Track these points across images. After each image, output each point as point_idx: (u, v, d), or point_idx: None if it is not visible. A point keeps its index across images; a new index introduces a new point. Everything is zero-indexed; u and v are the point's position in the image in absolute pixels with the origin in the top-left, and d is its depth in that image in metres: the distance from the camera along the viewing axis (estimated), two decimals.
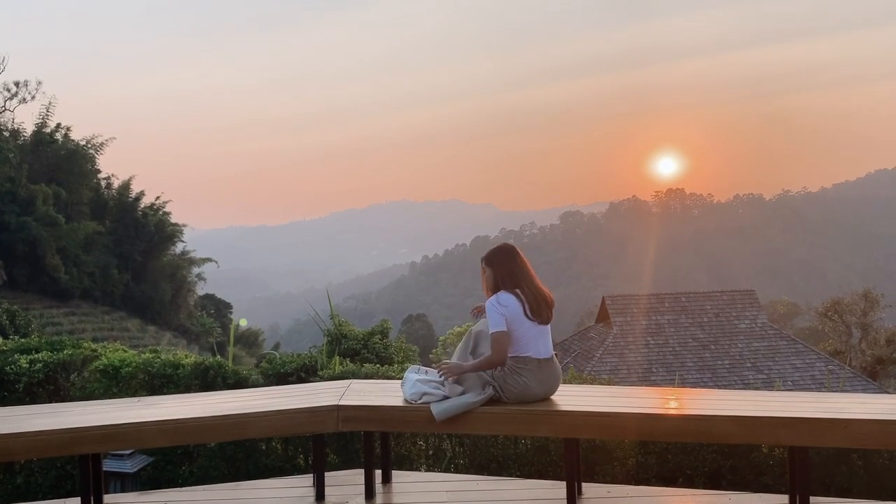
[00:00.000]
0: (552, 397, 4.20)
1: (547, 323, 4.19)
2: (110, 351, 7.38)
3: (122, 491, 5.35)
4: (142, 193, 46.57)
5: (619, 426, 4.07)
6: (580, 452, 4.49)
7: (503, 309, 4.08)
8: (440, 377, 4.21)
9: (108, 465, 5.35)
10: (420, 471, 5.95)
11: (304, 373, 6.69)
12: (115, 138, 46.60)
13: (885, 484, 5.45)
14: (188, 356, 7.18)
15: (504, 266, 4.21)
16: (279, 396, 4.65)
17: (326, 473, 4.53)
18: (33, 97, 44.14)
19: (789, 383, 21.02)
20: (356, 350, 7.73)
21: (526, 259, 4.28)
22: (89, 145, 44.80)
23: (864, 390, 20.27)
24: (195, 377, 6.64)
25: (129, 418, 4.17)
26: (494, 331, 4.06)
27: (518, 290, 4.14)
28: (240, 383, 6.64)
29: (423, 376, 4.30)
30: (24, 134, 43.47)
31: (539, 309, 4.14)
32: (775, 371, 21.98)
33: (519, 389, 4.10)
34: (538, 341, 4.13)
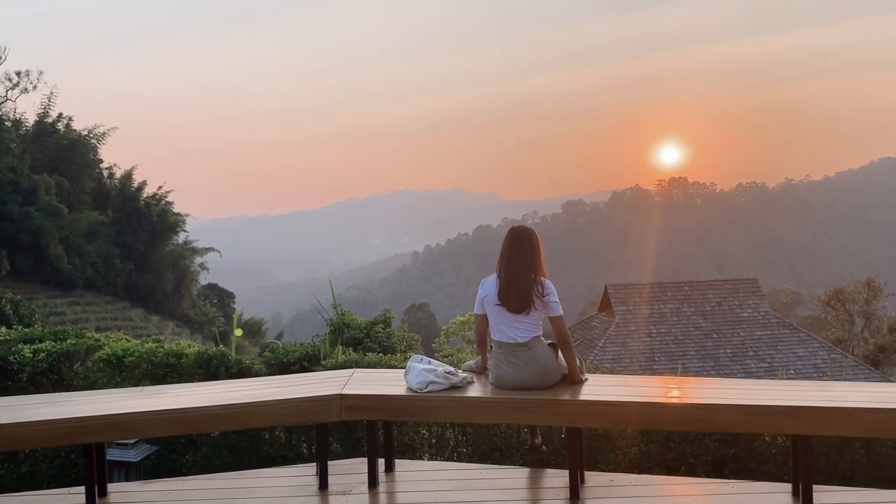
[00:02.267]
0: (553, 386, 4.20)
1: (521, 311, 4.17)
2: (113, 340, 7.39)
3: (127, 480, 5.36)
4: (144, 183, 46.52)
5: (622, 415, 4.08)
6: (583, 441, 4.49)
7: (481, 291, 4.32)
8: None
9: (112, 455, 5.36)
10: (423, 459, 5.96)
11: (307, 362, 6.70)
12: (116, 128, 46.62)
13: (888, 472, 5.45)
14: (191, 346, 7.19)
15: (502, 249, 4.34)
16: (282, 386, 4.66)
17: (330, 462, 4.55)
18: (35, 87, 44.02)
19: (792, 372, 21.01)
20: (359, 339, 7.74)
21: (527, 244, 4.25)
22: (91, 135, 44.74)
23: (867, 379, 20.26)
24: (198, 367, 6.65)
25: (132, 408, 4.18)
26: (474, 311, 4.40)
27: (501, 276, 4.25)
28: (243, 373, 6.65)
29: (427, 365, 4.31)
30: (26, 124, 43.39)
31: (510, 298, 4.18)
32: (778, 360, 21.96)
33: (494, 373, 4.24)
34: (505, 326, 4.19)
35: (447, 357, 6.39)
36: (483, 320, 4.34)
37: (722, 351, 22.59)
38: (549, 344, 4.29)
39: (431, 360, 4.50)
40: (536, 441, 4.73)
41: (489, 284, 4.28)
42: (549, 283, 4.25)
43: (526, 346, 4.17)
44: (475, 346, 4.50)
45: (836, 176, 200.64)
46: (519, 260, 4.23)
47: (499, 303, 4.20)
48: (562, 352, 4.30)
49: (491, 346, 4.35)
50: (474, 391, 4.24)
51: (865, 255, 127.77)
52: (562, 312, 4.26)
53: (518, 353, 4.16)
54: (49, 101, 43.53)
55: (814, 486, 3.98)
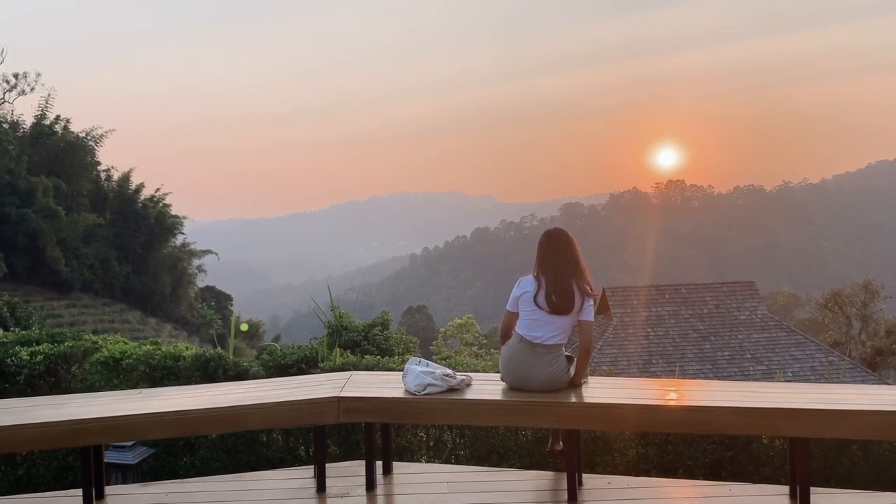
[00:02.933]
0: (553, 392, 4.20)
1: (559, 313, 4.20)
2: (111, 343, 7.39)
3: (124, 482, 5.36)
4: (142, 185, 46.48)
5: (620, 417, 4.08)
6: (581, 443, 4.49)
7: (518, 290, 4.29)
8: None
9: (110, 457, 5.36)
10: (421, 462, 5.96)
11: (305, 364, 6.70)
12: (114, 130, 46.57)
13: (885, 474, 5.46)
14: (189, 348, 7.19)
15: (540, 250, 4.35)
16: (280, 388, 4.65)
17: (327, 465, 4.54)
18: (32, 89, 44.06)
19: (789, 374, 21.01)
20: (357, 342, 7.75)
21: (567, 247, 4.30)
22: (89, 137, 44.70)
23: (864, 381, 20.27)
24: (196, 369, 6.65)
25: (130, 410, 4.17)
26: (506, 308, 4.35)
27: (542, 277, 4.25)
28: (240, 375, 6.65)
29: (425, 368, 4.31)
30: (24, 126, 43.34)
31: (550, 299, 4.20)
32: (775, 362, 21.97)
33: (504, 362, 4.28)
34: (536, 325, 4.20)
35: (445, 360, 6.39)
36: (513, 318, 4.33)
37: (720, 353, 22.60)
38: (567, 356, 4.31)
39: (429, 362, 4.50)
40: (557, 448, 4.67)
41: (528, 283, 4.28)
42: (589, 289, 4.29)
43: (547, 348, 4.19)
44: (500, 341, 4.46)
45: (833, 178, 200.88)
46: (563, 262, 4.25)
47: (538, 302, 4.20)
48: (580, 356, 4.31)
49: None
50: (472, 394, 4.24)
51: (863, 258, 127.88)
52: (593, 319, 4.33)
53: (537, 353, 4.17)
54: (47, 103, 43.53)
55: (811, 489, 3.99)
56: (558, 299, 4.19)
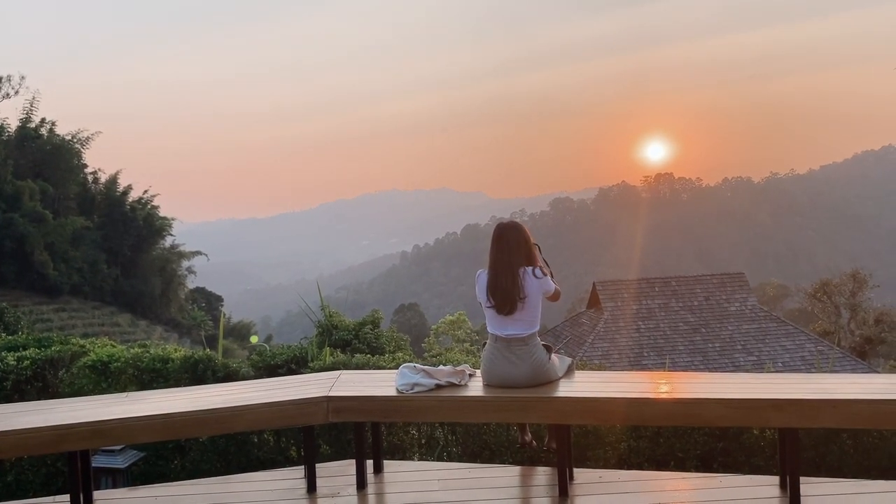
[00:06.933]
0: (541, 385, 4.18)
1: (500, 312, 4.13)
2: (99, 346, 7.34)
3: (114, 486, 5.33)
4: (129, 188, 46.30)
5: (611, 411, 4.07)
6: (571, 438, 4.49)
7: (476, 287, 4.27)
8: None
9: (99, 461, 5.33)
10: (412, 460, 5.95)
11: (295, 364, 6.68)
12: (100, 132, 46.35)
13: (875, 463, 5.48)
14: (178, 350, 7.15)
15: (491, 244, 4.27)
16: (269, 389, 4.62)
17: (318, 465, 4.52)
18: (17, 92, 43.72)
19: (779, 365, 21.12)
20: (347, 341, 7.72)
21: (513, 239, 4.18)
22: (75, 140, 44.48)
23: (854, 370, 20.40)
24: (185, 371, 6.62)
25: (117, 414, 4.14)
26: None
27: (488, 271, 4.22)
28: (230, 376, 6.61)
29: (413, 373, 4.25)
30: (9, 129, 43.02)
31: (493, 298, 4.14)
32: (765, 353, 22.08)
33: (486, 367, 4.23)
34: (501, 322, 4.17)
35: (437, 356, 6.37)
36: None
37: (710, 345, 22.70)
38: (544, 345, 4.27)
39: (426, 367, 4.37)
40: (527, 438, 4.69)
41: (481, 278, 4.22)
42: (535, 269, 4.15)
43: (523, 341, 4.14)
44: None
45: (820, 169, 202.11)
46: (502, 258, 4.15)
47: (489, 303, 4.17)
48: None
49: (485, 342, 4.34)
50: (460, 391, 4.21)
51: (850, 248, 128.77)
52: (553, 286, 4.23)
53: (514, 348, 4.13)
54: (31, 105, 43.24)
55: (801, 478, 3.99)
56: (502, 299, 4.11)
